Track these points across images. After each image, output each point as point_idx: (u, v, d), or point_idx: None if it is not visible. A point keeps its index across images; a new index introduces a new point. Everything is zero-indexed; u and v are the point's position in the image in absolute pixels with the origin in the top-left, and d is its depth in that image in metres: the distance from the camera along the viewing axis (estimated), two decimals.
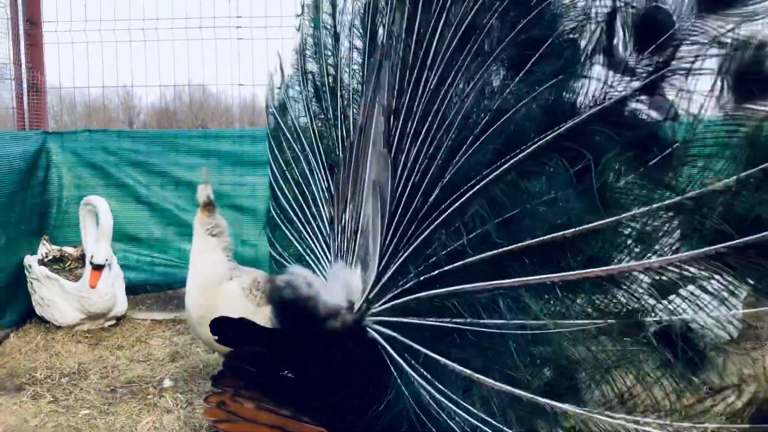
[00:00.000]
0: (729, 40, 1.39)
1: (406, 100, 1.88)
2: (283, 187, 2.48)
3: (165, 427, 2.66)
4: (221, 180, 4.33)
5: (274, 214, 2.60)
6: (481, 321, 1.60)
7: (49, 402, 2.93)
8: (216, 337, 1.72)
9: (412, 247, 1.78)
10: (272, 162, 2.64)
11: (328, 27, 2.44)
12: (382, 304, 1.80)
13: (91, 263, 3.68)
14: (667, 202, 1.42)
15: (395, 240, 1.83)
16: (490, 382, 1.58)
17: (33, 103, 4.52)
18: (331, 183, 2.18)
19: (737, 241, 1.35)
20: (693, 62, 1.42)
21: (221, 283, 2.73)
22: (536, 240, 1.54)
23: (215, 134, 4.61)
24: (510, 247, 1.57)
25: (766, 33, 1.37)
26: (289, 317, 1.79)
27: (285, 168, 2.51)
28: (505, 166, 1.63)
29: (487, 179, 1.66)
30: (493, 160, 1.66)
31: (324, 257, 2.10)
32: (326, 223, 2.13)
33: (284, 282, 1.76)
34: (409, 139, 1.86)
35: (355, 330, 1.79)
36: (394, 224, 1.83)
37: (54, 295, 3.86)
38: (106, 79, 4.82)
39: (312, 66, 2.49)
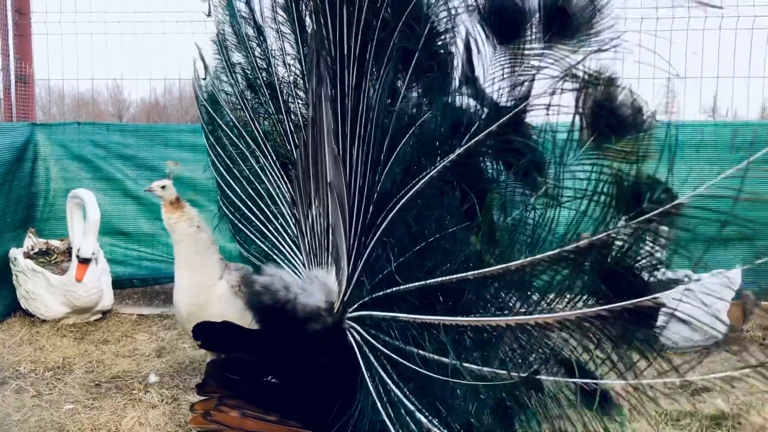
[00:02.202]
0: (582, 74, 1.27)
1: (339, 98, 1.80)
2: (233, 185, 2.39)
3: (150, 422, 2.66)
4: (210, 175, 4.30)
5: (228, 213, 2.50)
6: (420, 353, 1.51)
7: (32, 396, 2.92)
8: (199, 342, 1.73)
9: (362, 259, 1.73)
10: (215, 158, 2.51)
11: (246, 16, 2.30)
12: (354, 310, 1.79)
13: (78, 257, 3.64)
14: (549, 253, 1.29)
15: (356, 246, 1.79)
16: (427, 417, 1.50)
17: (21, 94, 4.49)
18: (287, 180, 2.11)
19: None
20: (551, 96, 1.31)
21: (214, 284, 2.72)
22: (443, 278, 1.42)
23: None
24: (427, 282, 1.48)
25: (615, 67, 1.26)
26: (269, 322, 1.79)
27: (231, 165, 2.40)
28: (416, 187, 1.51)
29: (402, 201, 1.56)
30: (403, 180, 1.54)
31: (294, 256, 2.05)
32: (290, 221, 2.07)
33: (262, 286, 1.76)
34: (349, 140, 1.79)
35: (335, 331, 1.79)
36: (353, 229, 1.79)
37: (39, 289, 3.84)
38: (95, 72, 4.79)
39: (238, 57, 2.36)
